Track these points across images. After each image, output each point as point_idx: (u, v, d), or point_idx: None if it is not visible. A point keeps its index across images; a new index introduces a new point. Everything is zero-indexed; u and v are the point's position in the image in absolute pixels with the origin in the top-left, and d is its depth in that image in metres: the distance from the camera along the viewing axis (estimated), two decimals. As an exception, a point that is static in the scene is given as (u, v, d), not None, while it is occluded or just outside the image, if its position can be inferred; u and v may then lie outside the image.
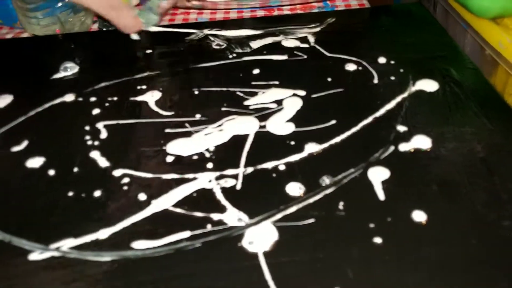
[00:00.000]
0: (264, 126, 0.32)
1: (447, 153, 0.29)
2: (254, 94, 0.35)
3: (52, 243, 0.25)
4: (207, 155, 0.30)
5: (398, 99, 0.33)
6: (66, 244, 0.25)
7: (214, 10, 0.51)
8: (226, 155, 0.30)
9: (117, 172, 0.29)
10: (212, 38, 0.43)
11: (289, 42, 0.41)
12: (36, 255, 0.25)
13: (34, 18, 0.44)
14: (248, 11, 0.51)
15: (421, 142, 0.29)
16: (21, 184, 0.29)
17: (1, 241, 0.25)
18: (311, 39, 0.41)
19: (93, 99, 0.36)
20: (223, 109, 0.34)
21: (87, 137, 0.32)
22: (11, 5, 0.46)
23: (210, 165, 0.29)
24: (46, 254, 0.25)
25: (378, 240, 0.24)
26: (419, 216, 0.25)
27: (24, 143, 0.32)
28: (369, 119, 0.32)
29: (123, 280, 0.23)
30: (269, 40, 0.41)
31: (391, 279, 0.22)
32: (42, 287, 0.23)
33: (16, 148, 0.32)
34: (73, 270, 0.24)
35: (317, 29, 0.42)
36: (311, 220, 0.25)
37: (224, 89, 0.36)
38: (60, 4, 0.44)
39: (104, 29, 0.46)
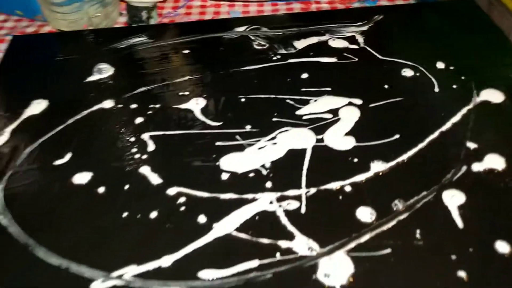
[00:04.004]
0: (321, 140, 0.30)
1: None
2: (305, 102, 0.33)
3: (113, 270, 0.24)
4: (264, 172, 0.28)
5: (464, 111, 0.31)
6: (129, 271, 0.24)
7: (246, 3, 0.48)
8: (284, 172, 0.28)
9: (171, 191, 0.28)
10: (252, 37, 0.40)
11: (336, 43, 0.38)
12: (98, 285, 0.23)
13: (61, 13, 0.41)
14: (283, 4, 0.48)
15: (495, 161, 0.28)
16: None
17: (57, 267, 0.24)
18: (360, 39, 0.38)
19: (134, 106, 0.34)
20: (274, 119, 0.32)
21: (134, 150, 0.31)
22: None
23: (269, 184, 0.28)
24: (109, 283, 0.23)
25: (462, 274, 0.22)
26: (502, 247, 0.23)
27: (69, 155, 0.30)
28: (435, 134, 0.30)
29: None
30: (314, 39, 0.39)
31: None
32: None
33: (65, 155, 0.30)
34: (138, 303, 0.23)
35: (365, 28, 0.40)
36: (388, 250, 0.24)
37: (272, 96, 0.34)
38: (88, -2, 0.41)
39: (134, 24, 0.43)
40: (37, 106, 0.34)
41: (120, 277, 0.23)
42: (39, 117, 0.34)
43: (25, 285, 0.23)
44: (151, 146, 0.31)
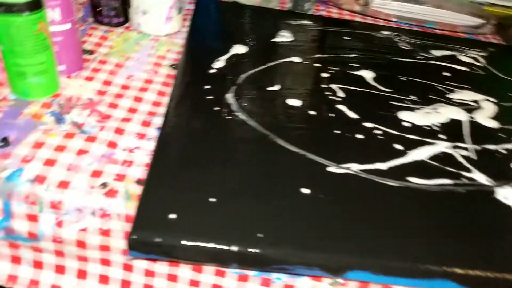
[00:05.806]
0: (472, 118, 0.39)
1: None
2: (451, 90, 0.42)
3: (342, 163, 0.31)
4: (436, 128, 0.37)
5: None
6: (353, 166, 0.31)
7: (376, 19, 0.58)
8: (452, 130, 0.36)
9: (367, 125, 0.35)
10: (396, 40, 0.50)
11: (464, 58, 0.48)
12: (332, 169, 0.30)
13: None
14: (405, 26, 0.58)
15: None
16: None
17: (296, 153, 0.31)
18: (482, 60, 0.49)
19: (317, 65, 0.42)
20: (430, 96, 0.41)
21: (328, 93, 0.38)
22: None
23: (443, 136, 0.36)
24: (340, 170, 0.30)
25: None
26: None
27: (278, 86, 0.38)
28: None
29: (400, 198, 0.29)
30: (447, 52, 0.49)
31: None
32: (340, 190, 0.29)
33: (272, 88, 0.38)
34: (361, 186, 0.29)
35: (484, 54, 0.50)
36: (545, 191, 0.32)
37: (423, 81, 0.43)
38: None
39: (296, 11, 0.52)
40: (240, 48, 0.42)
41: (348, 168, 0.31)
42: (242, 56, 0.41)
43: (278, 170, 0.30)
44: (340, 93, 0.39)
